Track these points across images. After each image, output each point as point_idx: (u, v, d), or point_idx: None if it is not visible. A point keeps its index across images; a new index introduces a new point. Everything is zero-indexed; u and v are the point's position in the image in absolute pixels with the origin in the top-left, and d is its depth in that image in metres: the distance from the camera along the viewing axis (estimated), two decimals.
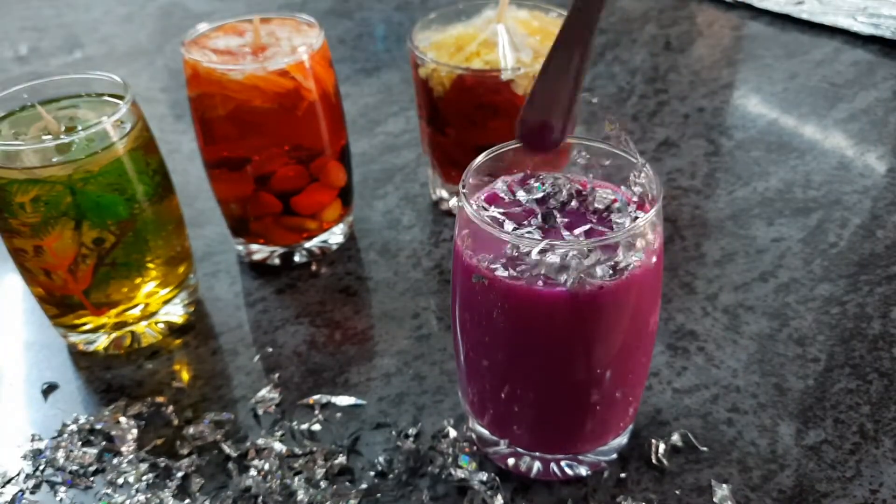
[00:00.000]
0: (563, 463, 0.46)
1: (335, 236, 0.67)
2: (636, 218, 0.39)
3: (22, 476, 0.49)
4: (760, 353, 0.54)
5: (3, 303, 0.64)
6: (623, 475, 0.46)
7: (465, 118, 0.63)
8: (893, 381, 0.51)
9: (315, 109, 0.59)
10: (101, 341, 0.57)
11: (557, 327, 0.38)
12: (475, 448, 0.48)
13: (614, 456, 0.47)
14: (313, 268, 0.65)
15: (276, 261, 0.66)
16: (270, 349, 0.57)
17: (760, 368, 0.53)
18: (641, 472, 0.46)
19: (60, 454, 0.50)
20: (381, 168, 0.78)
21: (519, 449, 0.46)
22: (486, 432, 0.47)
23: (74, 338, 0.57)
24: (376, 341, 0.58)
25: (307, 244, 0.66)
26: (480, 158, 0.42)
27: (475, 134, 0.63)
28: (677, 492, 0.45)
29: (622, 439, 0.47)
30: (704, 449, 0.48)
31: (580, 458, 0.46)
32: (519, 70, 0.59)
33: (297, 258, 0.66)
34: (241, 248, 0.67)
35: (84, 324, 0.56)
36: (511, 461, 0.47)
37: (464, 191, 0.40)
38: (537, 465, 0.46)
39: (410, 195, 0.73)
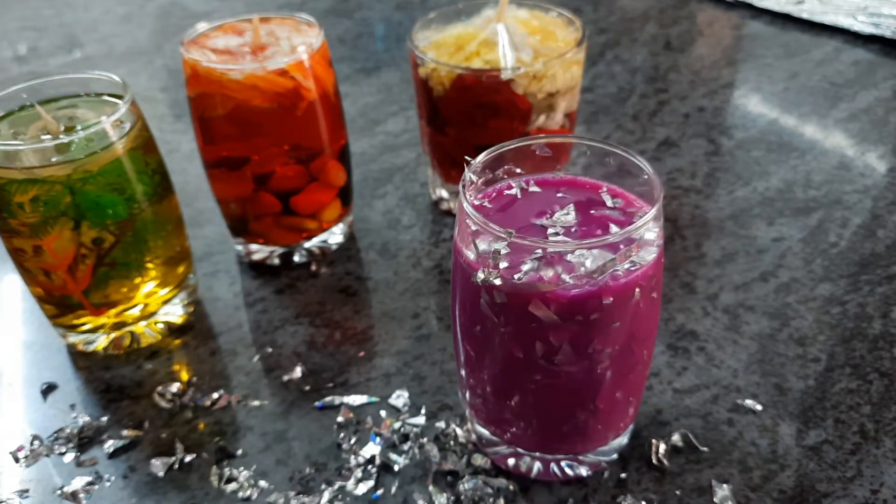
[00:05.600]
0: (563, 463, 0.46)
1: (335, 236, 0.67)
2: (637, 217, 0.39)
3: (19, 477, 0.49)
4: (761, 353, 0.54)
5: (3, 303, 0.64)
6: (623, 475, 0.46)
7: (465, 118, 0.63)
8: (894, 381, 0.51)
9: (314, 109, 0.59)
10: (101, 341, 0.57)
11: (558, 327, 0.38)
12: (476, 447, 0.48)
13: (615, 456, 0.47)
14: (313, 268, 0.65)
15: (276, 261, 0.65)
16: (270, 349, 0.57)
17: (761, 368, 0.53)
18: (642, 473, 0.46)
19: (59, 454, 0.50)
20: (380, 168, 0.78)
21: (519, 449, 0.46)
22: (486, 432, 0.47)
23: (74, 338, 0.57)
24: (376, 341, 0.57)
25: (307, 244, 0.65)
26: (481, 157, 0.42)
27: (475, 133, 0.63)
28: (678, 492, 0.45)
29: (623, 439, 0.47)
30: (705, 449, 0.47)
31: (580, 458, 0.46)
32: (519, 69, 0.59)
33: (296, 258, 0.66)
34: (240, 248, 0.67)
35: (83, 324, 0.56)
36: (511, 461, 0.46)
37: (465, 189, 0.39)
38: (537, 465, 0.46)
39: (410, 195, 0.73)
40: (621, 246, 0.37)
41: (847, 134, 0.79)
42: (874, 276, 0.60)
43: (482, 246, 0.37)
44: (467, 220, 0.38)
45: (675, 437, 0.48)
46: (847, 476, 0.45)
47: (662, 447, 0.47)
